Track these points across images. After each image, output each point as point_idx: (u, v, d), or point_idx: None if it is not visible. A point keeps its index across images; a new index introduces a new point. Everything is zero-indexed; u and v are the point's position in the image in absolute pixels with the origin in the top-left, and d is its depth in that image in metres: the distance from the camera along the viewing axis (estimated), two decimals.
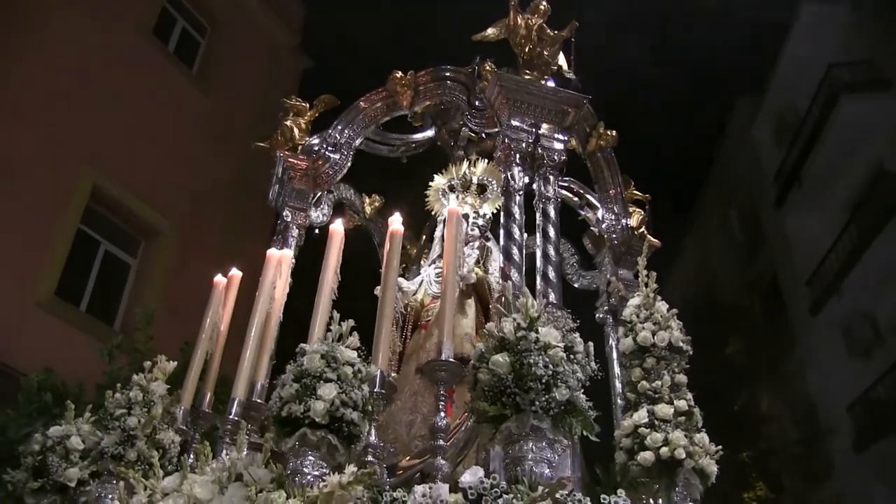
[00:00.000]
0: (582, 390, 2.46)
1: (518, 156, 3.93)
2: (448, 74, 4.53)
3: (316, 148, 4.51)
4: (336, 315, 2.66)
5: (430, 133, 5.07)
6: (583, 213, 4.82)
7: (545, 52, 4.16)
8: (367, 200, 5.20)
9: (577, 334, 2.53)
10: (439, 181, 4.90)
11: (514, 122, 3.99)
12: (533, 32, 4.19)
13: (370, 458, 2.62)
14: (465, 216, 4.57)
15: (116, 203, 11.09)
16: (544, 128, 4.03)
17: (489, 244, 4.61)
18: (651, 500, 2.80)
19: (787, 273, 17.95)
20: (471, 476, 2.12)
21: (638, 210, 4.81)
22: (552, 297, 3.54)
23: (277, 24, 15.12)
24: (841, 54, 16.00)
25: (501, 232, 3.79)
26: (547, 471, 2.30)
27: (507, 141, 3.96)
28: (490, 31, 4.41)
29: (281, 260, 3.51)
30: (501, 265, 3.72)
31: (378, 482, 2.27)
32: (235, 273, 3.74)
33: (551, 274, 3.66)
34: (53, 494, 3.22)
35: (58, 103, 10.24)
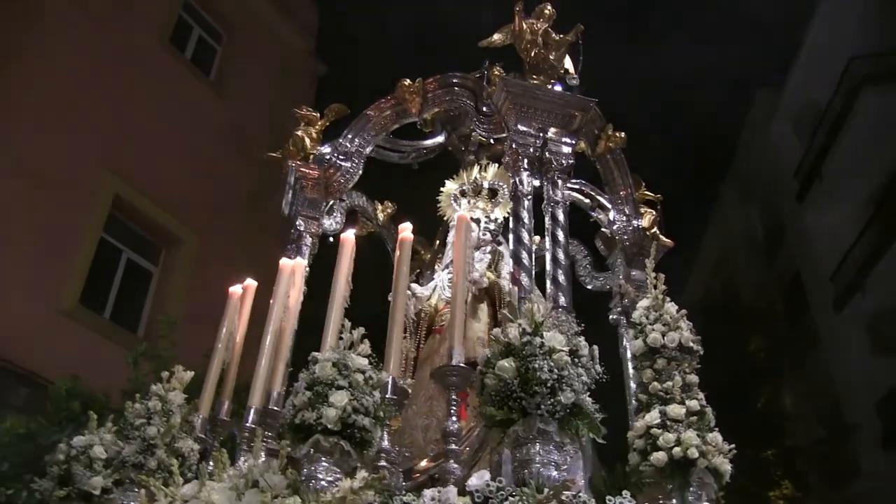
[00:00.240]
0: (588, 393, 2.50)
1: (526, 160, 3.97)
2: (455, 81, 4.58)
3: (327, 157, 4.56)
4: (347, 323, 2.72)
5: (440, 139, 5.12)
6: (594, 214, 4.85)
7: (551, 57, 4.19)
8: (380, 207, 5.24)
9: (582, 338, 2.57)
10: (451, 186, 4.95)
11: (522, 127, 4.02)
12: (538, 37, 4.22)
13: (383, 462, 2.67)
14: (477, 220, 4.61)
15: (138, 211, 11.25)
16: (551, 132, 4.06)
17: (501, 248, 4.65)
18: (665, 501, 2.83)
19: (809, 269, 17.78)
20: (477, 479, 2.17)
21: (650, 211, 4.82)
22: (562, 300, 3.58)
23: (292, 29, 15.22)
24: (862, 46, 15.80)
25: (511, 236, 3.83)
26: (554, 473, 2.34)
27: (514, 146, 3.99)
28: (496, 36, 4.45)
29: (294, 269, 3.57)
30: (511, 269, 3.75)
31: (389, 486, 2.32)
32: (250, 283, 3.81)
33: (561, 277, 3.69)
34: (79, 502, 3.29)
35: (78, 114, 10.39)
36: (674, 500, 2.77)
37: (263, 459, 2.64)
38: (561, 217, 3.90)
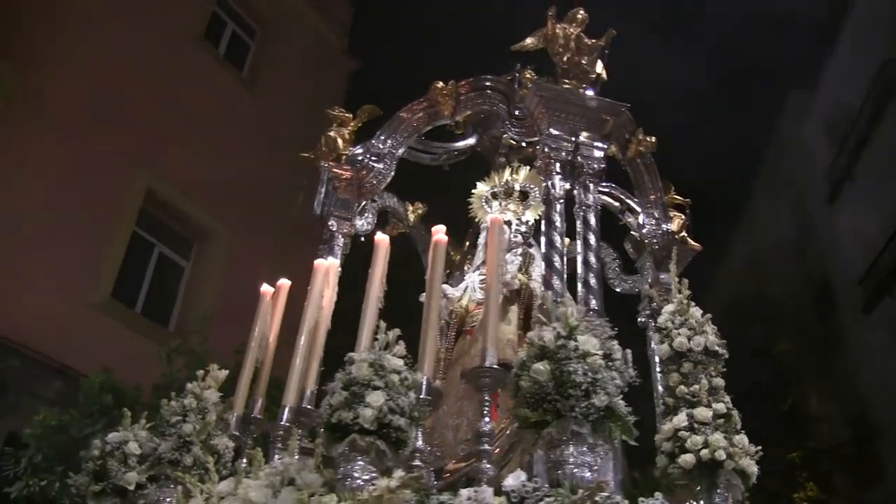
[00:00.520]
0: (621, 396, 2.54)
1: (558, 164, 4.00)
2: (488, 84, 4.61)
3: (360, 158, 4.61)
4: (383, 324, 2.78)
5: (471, 141, 5.16)
6: (623, 218, 4.87)
7: (583, 61, 4.21)
8: (411, 208, 5.29)
9: (615, 342, 2.61)
10: (482, 188, 4.97)
11: (554, 131, 4.05)
12: (571, 42, 4.24)
13: (417, 462, 2.72)
14: (508, 223, 4.64)
15: (170, 206, 11.40)
16: (583, 136, 4.08)
17: (532, 250, 4.68)
18: (693, 502, 2.86)
19: (839, 272, 17.61)
20: (513, 480, 2.22)
21: (678, 214, 4.84)
22: (593, 303, 3.62)
23: (326, 25, 15.25)
24: None
25: (542, 240, 3.86)
26: (588, 474, 2.39)
27: (546, 150, 4.02)
28: (529, 40, 4.47)
29: (328, 270, 3.63)
30: (543, 272, 3.78)
31: (426, 486, 2.37)
32: (283, 283, 3.87)
33: (592, 281, 3.73)
34: (114, 497, 3.35)
35: (112, 109, 10.52)
36: (701, 502, 2.80)
37: (297, 457, 2.71)
38: (592, 221, 3.93)
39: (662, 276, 4.62)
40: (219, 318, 8.72)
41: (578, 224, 3.92)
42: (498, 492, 2.23)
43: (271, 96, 13.34)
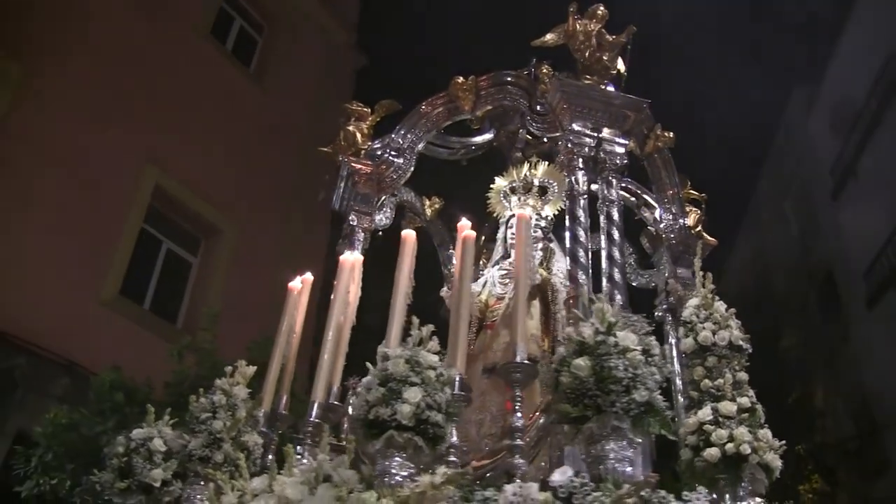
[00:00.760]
0: (659, 391, 2.54)
1: (581, 160, 4.00)
2: (509, 79, 4.60)
3: (379, 152, 4.61)
4: (416, 320, 2.78)
5: (489, 135, 5.15)
6: (639, 212, 4.86)
7: (604, 57, 4.21)
8: (428, 202, 5.27)
9: (652, 337, 2.62)
10: (500, 183, 4.96)
11: (576, 127, 4.04)
12: (592, 38, 4.23)
13: (452, 458, 2.72)
14: None
15: (178, 202, 11.38)
16: (605, 132, 4.08)
17: (552, 245, 4.68)
18: (716, 496, 2.87)
19: (843, 266, 17.64)
20: (560, 475, 2.22)
21: (694, 209, 4.84)
22: (619, 298, 3.61)
23: (333, 21, 15.22)
24: None
25: (567, 235, 3.85)
26: (629, 469, 2.40)
27: (569, 145, 4.02)
28: (549, 36, 4.45)
29: (354, 265, 3.63)
30: (569, 268, 3.78)
31: (469, 482, 2.37)
32: (308, 277, 3.88)
33: (617, 276, 3.72)
34: (139, 494, 3.34)
35: (119, 104, 10.52)
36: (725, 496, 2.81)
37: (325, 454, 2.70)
38: (616, 216, 3.92)
39: (679, 271, 4.63)
40: (226, 313, 8.72)
41: (602, 219, 3.91)
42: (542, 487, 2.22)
43: (279, 92, 13.32)
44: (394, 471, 2.47)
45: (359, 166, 4.52)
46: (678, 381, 4.15)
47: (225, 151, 11.76)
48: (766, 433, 2.82)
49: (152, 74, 11.08)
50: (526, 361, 2.91)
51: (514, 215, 4.74)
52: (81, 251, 9.61)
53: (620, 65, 4.38)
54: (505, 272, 4.56)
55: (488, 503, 2.28)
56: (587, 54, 4.20)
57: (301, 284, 3.81)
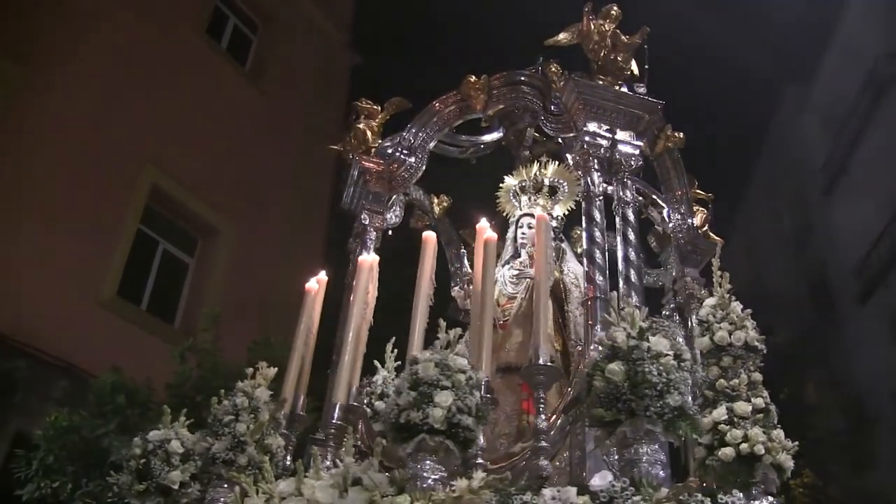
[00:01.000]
0: (690, 395, 2.55)
1: (596, 161, 3.99)
2: (523, 79, 4.56)
3: (390, 151, 4.57)
4: (443, 323, 2.77)
5: (498, 134, 5.13)
6: (647, 212, 4.86)
7: (619, 58, 4.20)
8: (436, 201, 5.26)
9: (682, 342, 2.62)
10: (510, 182, 4.95)
11: (591, 128, 4.03)
12: (606, 38, 4.22)
13: (480, 460, 2.72)
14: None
15: (174, 202, 11.33)
16: (620, 133, 4.08)
17: (563, 245, 4.68)
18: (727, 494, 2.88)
19: (835, 262, 17.78)
20: (601, 479, 2.22)
21: (701, 209, 4.84)
22: (635, 299, 3.61)
23: (328, 19, 15.19)
24: (892, 44, 15.73)
25: (584, 236, 3.85)
26: (661, 472, 2.41)
27: (584, 146, 4.01)
28: (562, 35, 4.42)
29: (372, 265, 3.62)
30: (586, 269, 3.78)
31: (507, 486, 2.37)
32: (322, 277, 3.86)
33: (633, 277, 3.73)
34: (158, 496, 3.31)
35: (115, 104, 10.47)
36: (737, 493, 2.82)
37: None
38: (631, 217, 3.92)
39: (687, 270, 4.63)
40: (223, 314, 8.68)
41: (617, 220, 3.91)
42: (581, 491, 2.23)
43: (274, 91, 13.29)
44: (425, 474, 2.46)
45: (370, 164, 4.47)
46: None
47: (221, 151, 11.71)
48: (779, 434, 2.84)
49: (148, 74, 11.02)
50: (549, 364, 2.92)
51: (524, 214, 4.75)
52: (79, 252, 9.55)
53: (635, 67, 4.37)
54: (517, 272, 4.55)
55: None
56: (601, 55, 4.19)
57: (317, 285, 3.79)
